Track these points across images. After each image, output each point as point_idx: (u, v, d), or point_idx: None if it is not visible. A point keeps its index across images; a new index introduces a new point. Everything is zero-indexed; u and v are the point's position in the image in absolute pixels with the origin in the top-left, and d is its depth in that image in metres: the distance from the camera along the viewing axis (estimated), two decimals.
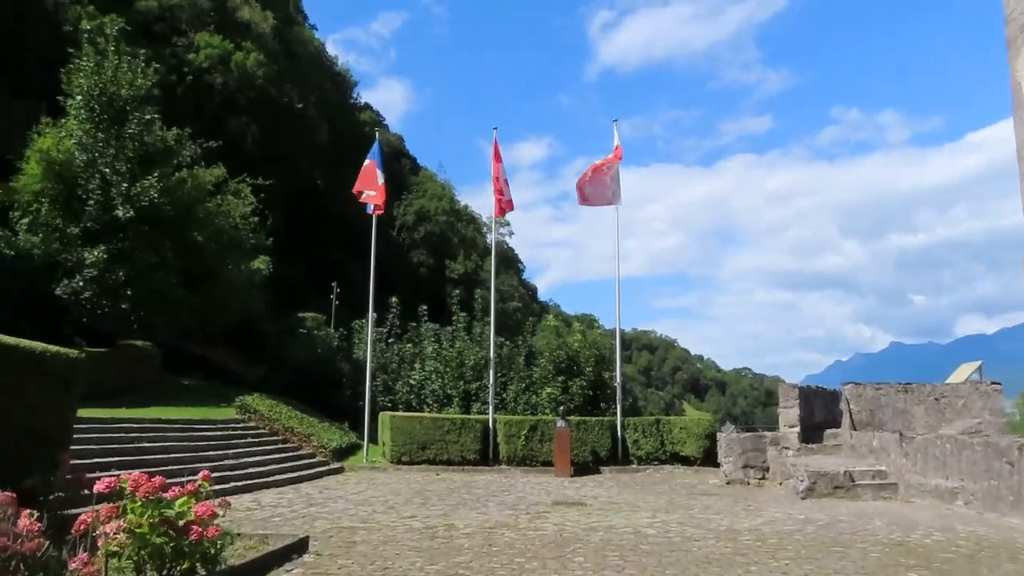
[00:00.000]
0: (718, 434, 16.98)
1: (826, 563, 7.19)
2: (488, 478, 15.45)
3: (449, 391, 21.65)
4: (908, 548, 7.94)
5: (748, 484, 14.75)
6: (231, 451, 14.33)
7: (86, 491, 5.98)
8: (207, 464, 12.28)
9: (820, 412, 16.55)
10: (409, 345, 23.55)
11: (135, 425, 13.48)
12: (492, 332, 19.24)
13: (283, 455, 15.77)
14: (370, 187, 18.68)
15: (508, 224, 70.41)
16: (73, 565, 4.26)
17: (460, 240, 64.74)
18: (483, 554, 7.58)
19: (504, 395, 21.21)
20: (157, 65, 22.69)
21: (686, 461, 17.69)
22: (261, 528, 8.46)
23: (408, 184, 62.93)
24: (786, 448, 14.98)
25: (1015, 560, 7.41)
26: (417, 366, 22.57)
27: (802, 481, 12.58)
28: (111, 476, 5.34)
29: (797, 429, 15.10)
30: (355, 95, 64.43)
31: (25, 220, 19.35)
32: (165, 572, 5.18)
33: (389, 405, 21.70)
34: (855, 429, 15.74)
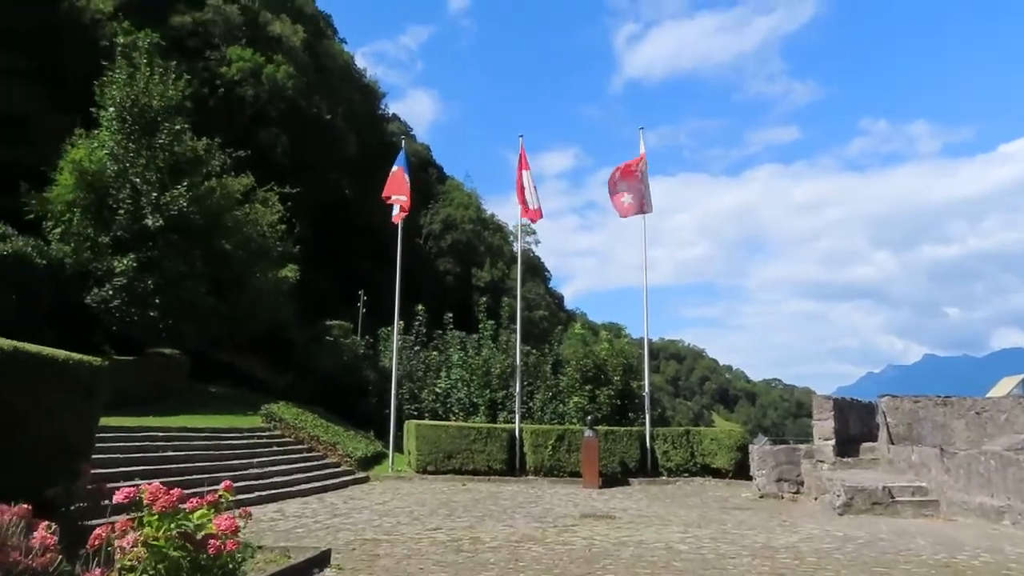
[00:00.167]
0: (750, 446, 16.54)
1: None
2: (515, 489, 15.21)
3: (475, 400, 21.48)
4: (956, 570, 7.55)
5: (782, 498, 14.32)
6: (256, 460, 14.29)
7: (106, 502, 5.89)
8: (232, 473, 12.26)
9: (855, 425, 16.04)
10: (435, 353, 23.44)
11: (161, 433, 13.51)
12: (518, 340, 19.04)
13: (308, 464, 15.69)
14: (399, 192, 18.78)
15: (535, 233, 70.37)
16: None
17: (487, 248, 64.77)
18: (509, 569, 7.36)
19: (531, 404, 20.97)
20: (189, 77, 22.99)
21: (717, 473, 17.28)
22: (284, 539, 8.34)
23: (435, 193, 63.21)
24: (821, 461, 14.53)
25: None
26: (443, 374, 22.44)
27: (839, 496, 12.15)
28: (133, 486, 5.23)
29: (832, 442, 14.64)
30: (383, 106, 65.05)
31: (58, 230, 19.65)
32: None
33: (415, 413, 21.58)
34: (892, 443, 15.22)
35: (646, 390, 18.80)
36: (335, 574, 6.95)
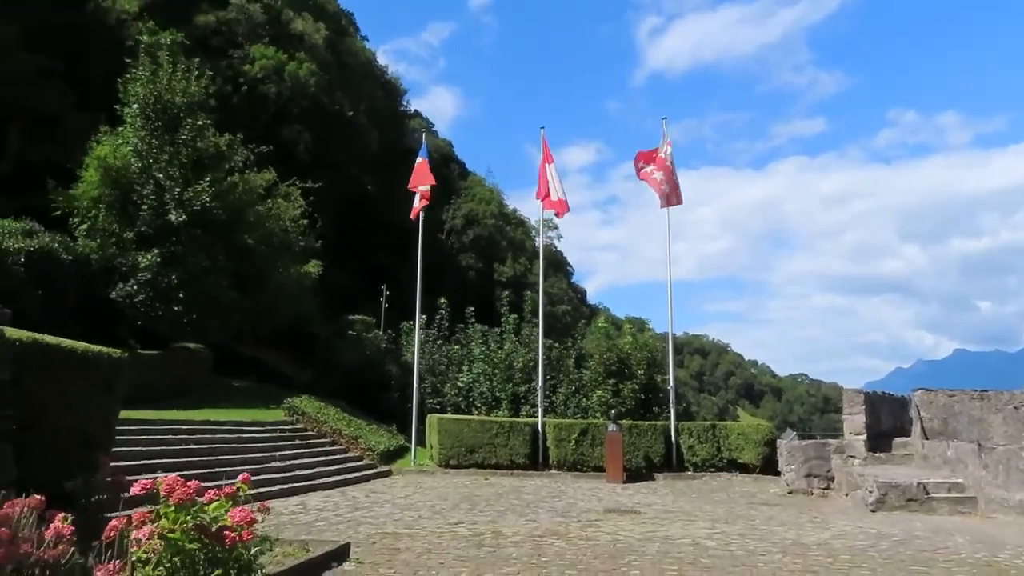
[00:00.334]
0: (778, 441, 16.21)
1: None
2: (537, 483, 15.06)
3: (498, 394, 21.35)
4: (999, 569, 7.24)
5: (812, 494, 13.99)
6: (278, 453, 14.29)
7: (125, 494, 5.83)
8: (254, 466, 12.26)
9: (887, 420, 15.63)
10: (457, 347, 23.36)
11: (184, 427, 13.56)
12: (540, 333, 18.84)
13: (330, 457, 15.68)
14: (424, 182, 18.90)
15: (557, 228, 69.89)
16: (99, 573, 4.05)
17: (509, 243, 64.54)
18: (532, 565, 7.20)
19: (553, 398, 20.81)
20: (211, 73, 23.10)
21: (744, 469, 16.96)
22: (304, 532, 8.27)
23: (457, 188, 63.12)
24: (852, 457, 14.16)
25: None
26: (465, 368, 22.35)
27: (871, 492, 11.81)
28: (152, 478, 5.16)
29: (864, 437, 14.26)
30: (405, 103, 65.05)
31: (84, 226, 19.86)
32: None
33: (437, 407, 21.51)
34: (926, 438, 14.81)
35: (671, 384, 18.53)
36: (354, 568, 6.85)
